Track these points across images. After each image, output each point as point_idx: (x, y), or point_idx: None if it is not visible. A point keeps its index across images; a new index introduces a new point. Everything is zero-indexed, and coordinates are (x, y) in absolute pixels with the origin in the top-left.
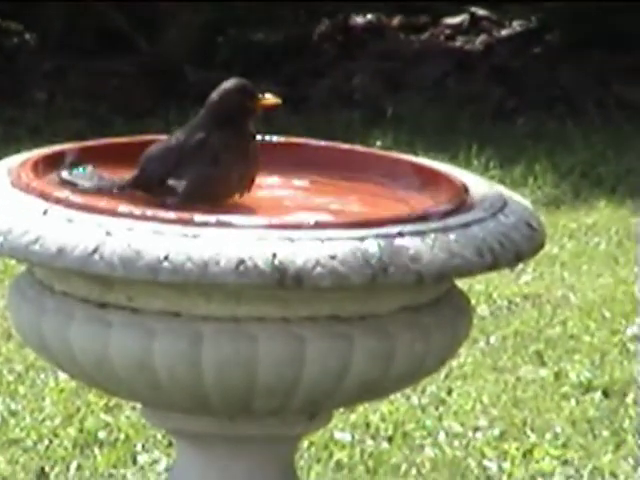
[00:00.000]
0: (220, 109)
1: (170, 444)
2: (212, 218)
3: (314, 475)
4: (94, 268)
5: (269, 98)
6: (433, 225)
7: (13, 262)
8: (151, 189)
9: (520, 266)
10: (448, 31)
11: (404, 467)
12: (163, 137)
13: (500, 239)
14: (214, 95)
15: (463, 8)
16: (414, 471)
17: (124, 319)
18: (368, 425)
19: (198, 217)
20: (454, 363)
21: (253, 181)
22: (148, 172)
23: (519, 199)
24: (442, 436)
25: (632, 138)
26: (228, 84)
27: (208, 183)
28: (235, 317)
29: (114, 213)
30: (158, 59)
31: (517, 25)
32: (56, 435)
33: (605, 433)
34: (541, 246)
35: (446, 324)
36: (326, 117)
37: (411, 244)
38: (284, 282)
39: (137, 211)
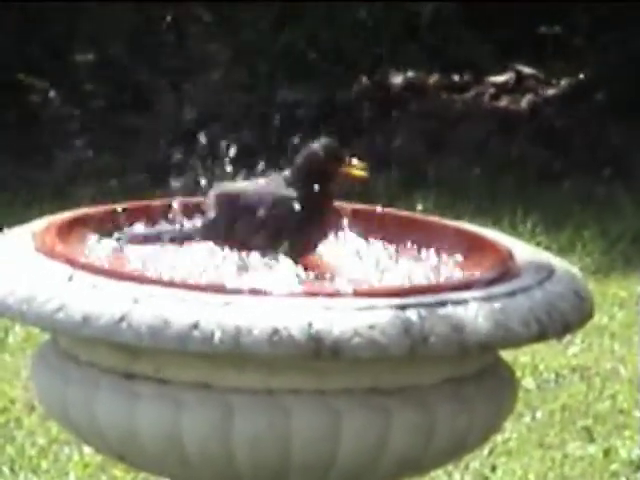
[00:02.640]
0: (304, 169)
1: None
2: (245, 285)
3: None
4: (121, 337)
5: (355, 169)
6: (477, 293)
7: (37, 330)
8: (220, 232)
9: (568, 337)
10: (492, 90)
11: None
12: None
13: (547, 309)
14: (302, 156)
15: (508, 66)
16: None
17: (152, 390)
18: None
19: (230, 283)
20: (498, 438)
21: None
22: (220, 215)
23: (567, 266)
24: None
25: None
26: (316, 145)
27: (286, 241)
28: (268, 389)
29: (142, 279)
30: (186, 116)
31: (565, 84)
32: None
33: None
34: (590, 316)
35: (490, 397)
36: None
37: (454, 313)
38: (320, 353)
39: (166, 277)
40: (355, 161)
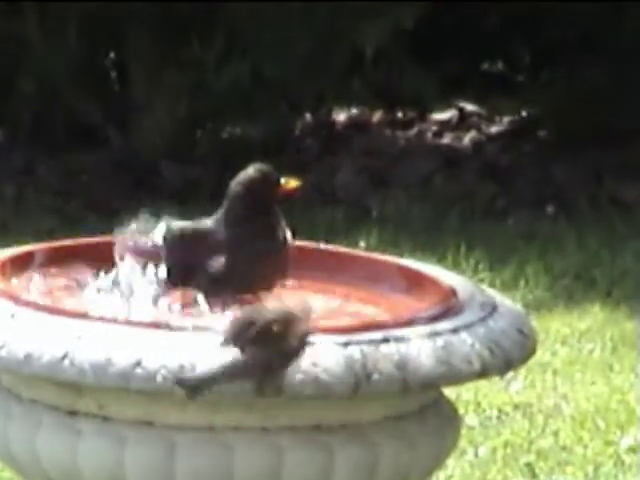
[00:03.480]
0: (246, 201)
1: None
2: (188, 322)
3: None
4: (64, 375)
5: (290, 182)
6: (419, 330)
7: None
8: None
9: (510, 374)
10: (436, 127)
11: None
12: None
13: (489, 346)
14: (238, 186)
15: (452, 103)
16: None
17: (94, 428)
18: None
19: (174, 321)
20: (441, 475)
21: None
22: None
23: (509, 303)
24: None
25: (627, 238)
26: (250, 171)
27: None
28: (211, 426)
29: (85, 316)
30: (132, 154)
31: (507, 121)
32: None
33: None
34: (532, 353)
35: (432, 434)
36: (308, 216)
37: (396, 350)
38: (263, 390)
39: (109, 315)
40: (285, 179)
